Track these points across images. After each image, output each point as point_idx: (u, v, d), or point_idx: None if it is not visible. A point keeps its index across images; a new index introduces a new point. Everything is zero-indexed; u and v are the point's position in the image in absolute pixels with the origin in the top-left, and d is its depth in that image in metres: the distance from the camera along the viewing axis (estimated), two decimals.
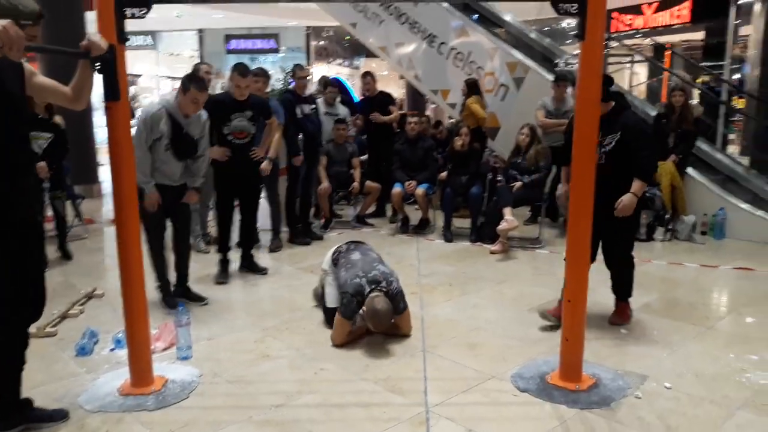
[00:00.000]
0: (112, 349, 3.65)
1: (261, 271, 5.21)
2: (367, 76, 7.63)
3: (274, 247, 6.01)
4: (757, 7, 11.75)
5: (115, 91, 2.91)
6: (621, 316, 4.05)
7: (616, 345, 3.69)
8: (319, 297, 4.25)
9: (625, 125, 3.80)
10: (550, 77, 7.48)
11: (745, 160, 8.19)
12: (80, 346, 3.58)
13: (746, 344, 3.68)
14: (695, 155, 6.96)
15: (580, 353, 3.18)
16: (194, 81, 4.16)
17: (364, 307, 3.61)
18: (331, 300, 3.94)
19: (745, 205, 6.44)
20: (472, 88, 7.21)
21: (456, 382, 3.23)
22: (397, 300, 3.68)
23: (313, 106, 6.38)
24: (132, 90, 18.10)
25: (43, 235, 2.79)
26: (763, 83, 8.46)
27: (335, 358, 3.52)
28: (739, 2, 12.00)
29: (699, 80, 11.88)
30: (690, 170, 6.65)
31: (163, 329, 3.75)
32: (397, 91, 15.67)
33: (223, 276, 5.03)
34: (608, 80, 3.89)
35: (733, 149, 10.72)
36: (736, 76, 13.26)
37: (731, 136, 12.60)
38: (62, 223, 5.68)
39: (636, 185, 3.82)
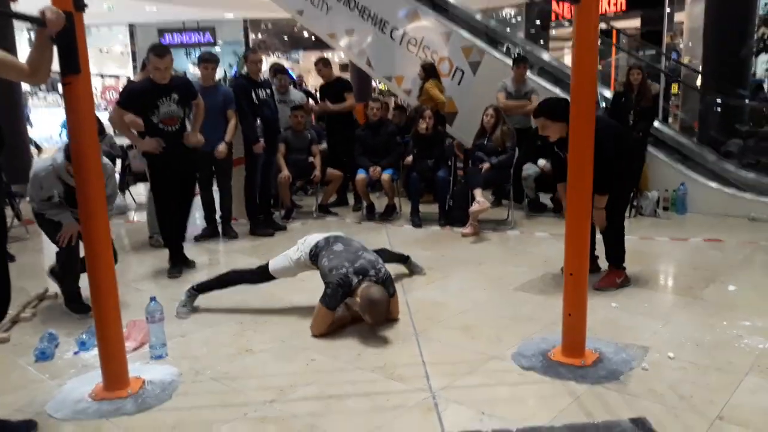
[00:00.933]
0: (76, 353, 3.33)
1: (190, 264, 4.92)
2: (319, 63, 7.36)
3: (231, 236, 5.82)
4: None
5: (74, 64, 2.61)
6: (607, 280, 4.03)
7: (610, 319, 3.63)
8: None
9: None
10: (507, 60, 7.46)
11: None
12: (39, 350, 3.24)
13: (735, 311, 3.68)
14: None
15: (583, 328, 3.07)
16: None
17: (357, 298, 3.40)
18: (274, 265, 3.84)
19: (703, 180, 6.57)
20: (430, 71, 7.10)
21: (456, 365, 3.08)
22: (386, 285, 3.50)
23: (269, 90, 6.11)
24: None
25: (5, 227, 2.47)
26: (706, 62, 8.68)
27: (324, 349, 3.31)
28: None
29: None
30: (650, 147, 6.74)
31: (132, 328, 3.45)
32: None
33: (174, 270, 4.75)
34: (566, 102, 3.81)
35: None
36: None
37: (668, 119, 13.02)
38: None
39: (596, 200, 3.62)
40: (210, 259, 5.27)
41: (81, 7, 2.61)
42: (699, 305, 3.82)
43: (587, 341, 3.12)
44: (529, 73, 7.11)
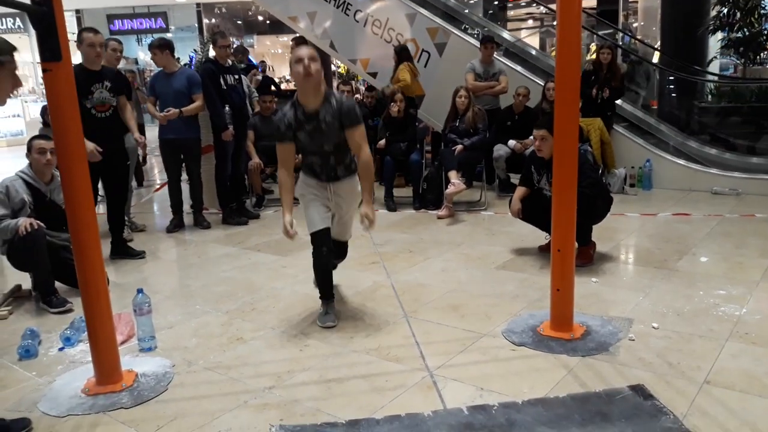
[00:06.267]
0: (61, 348, 3.27)
1: (137, 255, 4.95)
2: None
3: (204, 226, 5.78)
4: None
5: (55, 50, 2.55)
6: (583, 257, 4.15)
7: (592, 294, 3.75)
8: None
9: None
10: (473, 41, 7.54)
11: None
12: (23, 348, 3.18)
13: (709, 281, 3.85)
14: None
15: (571, 303, 3.18)
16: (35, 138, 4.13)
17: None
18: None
19: (668, 156, 6.79)
20: (402, 54, 7.15)
21: (450, 343, 3.15)
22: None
23: (237, 76, 6.04)
24: None
25: None
26: (664, 37, 8.95)
27: (316, 334, 3.34)
28: None
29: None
30: (615, 126, 6.92)
31: (118, 321, 3.40)
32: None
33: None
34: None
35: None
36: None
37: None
38: None
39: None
40: (185, 250, 5.22)
41: None
42: (675, 277, 3.99)
43: (574, 316, 3.23)
44: (495, 54, 7.20)
